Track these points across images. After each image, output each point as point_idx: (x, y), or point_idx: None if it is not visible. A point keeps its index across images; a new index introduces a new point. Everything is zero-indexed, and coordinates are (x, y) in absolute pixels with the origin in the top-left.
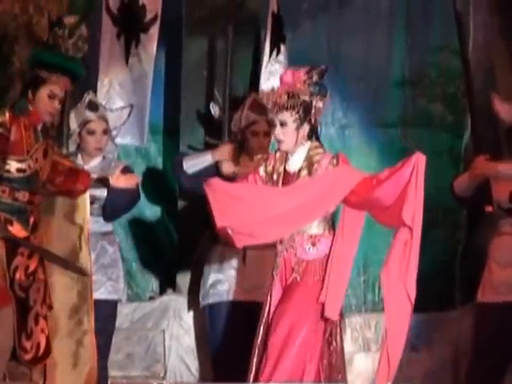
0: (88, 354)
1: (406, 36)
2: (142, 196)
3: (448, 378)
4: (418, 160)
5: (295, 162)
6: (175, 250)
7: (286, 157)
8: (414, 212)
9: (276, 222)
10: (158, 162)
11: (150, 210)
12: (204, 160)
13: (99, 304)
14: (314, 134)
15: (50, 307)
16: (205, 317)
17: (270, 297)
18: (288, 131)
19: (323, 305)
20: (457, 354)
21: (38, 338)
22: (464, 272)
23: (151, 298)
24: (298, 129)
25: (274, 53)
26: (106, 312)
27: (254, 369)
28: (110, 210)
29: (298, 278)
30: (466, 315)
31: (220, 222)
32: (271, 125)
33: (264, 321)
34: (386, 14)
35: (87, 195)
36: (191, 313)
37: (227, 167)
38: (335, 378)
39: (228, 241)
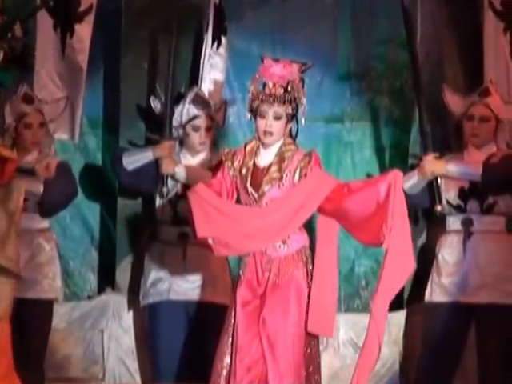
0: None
1: (351, 28)
2: (80, 192)
3: (394, 379)
4: (395, 178)
5: (266, 157)
6: (114, 247)
7: (256, 151)
8: (390, 232)
9: (253, 237)
10: (97, 158)
11: (88, 207)
12: (144, 156)
13: (35, 304)
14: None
15: None
16: (145, 317)
17: (235, 296)
18: (280, 125)
19: (309, 320)
20: (404, 354)
21: None
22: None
23: (89, 297)
24: (287, 124)
25: (215, 45)
26: (42, 312)
27: (224, 370)
28: (46, 206)
29: (273, 277)
30: (413, 315)
31: (202, 232)
32: (213, 120)
33: (232, 322)
34: (330, 6)
35: (22, 183)
36: (131, 312)
37: (167, 165)
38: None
39: (206, 247)
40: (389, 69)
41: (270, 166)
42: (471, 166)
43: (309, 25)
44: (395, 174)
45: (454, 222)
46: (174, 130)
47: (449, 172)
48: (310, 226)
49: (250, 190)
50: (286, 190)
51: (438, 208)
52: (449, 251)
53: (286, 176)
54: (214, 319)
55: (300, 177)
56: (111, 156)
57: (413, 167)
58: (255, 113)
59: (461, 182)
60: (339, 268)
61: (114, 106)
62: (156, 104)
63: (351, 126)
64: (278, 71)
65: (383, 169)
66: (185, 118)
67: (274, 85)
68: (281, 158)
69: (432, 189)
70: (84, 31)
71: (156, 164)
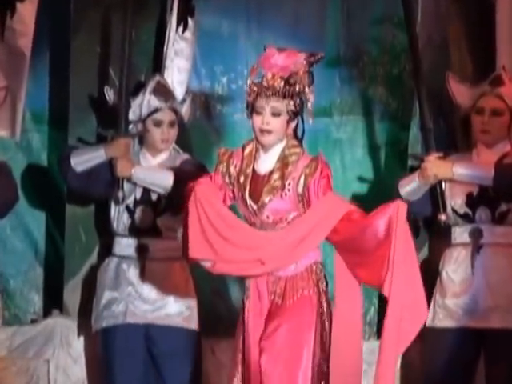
0: None
1: (342, 5)
2: (22, 198)
3: None
4: (398, 210)
5: (266, 162)
6: (62, 263)
7: (255, 155)
8: (392, 277)
9: (256, 261)
10: (42, 158)
11: (31, 215)
12: (96, 156)
13: None
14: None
15: None
16: (98, 343)
17: (244, 326)
18: (279, 123)
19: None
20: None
21: None
22: None
23: (33, 321)
24: (289, 122)
25: (180, 28)
26: None
27: None
28: None
29: (279, 301)
30: (412, 342)
31: (195, 253)
32: (178, 113)
33: (240, 356)
34: None
35: None
36: (81, 339)
37: (123, 166)
38: None
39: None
40: (384, 53)
41: (271, 173)
42: (481, 167)
43: (292, 2)
44: (397, 205)
45: (460, 234)
46: (131, 126)
47: (455, 175)
48: None
49: (249, 201)
50: (289, 200)
51: (443, 217)
52: (454, 268)
53: (289, 184)
54: (179, 345)
55: (304, 185)
56: (58, 156)
57: (413, 169)
58: (251, 109)
59: (469, 186)
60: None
61: (61, 97)
62: (110, 95)
63: (341, 121)
64: (280, 61)
65: (377, 170)
66: (145, 111)
67: (273, 76)
68: (283, 163)
69: (435, 195)
70: (27, 11)
71: (110, 165)
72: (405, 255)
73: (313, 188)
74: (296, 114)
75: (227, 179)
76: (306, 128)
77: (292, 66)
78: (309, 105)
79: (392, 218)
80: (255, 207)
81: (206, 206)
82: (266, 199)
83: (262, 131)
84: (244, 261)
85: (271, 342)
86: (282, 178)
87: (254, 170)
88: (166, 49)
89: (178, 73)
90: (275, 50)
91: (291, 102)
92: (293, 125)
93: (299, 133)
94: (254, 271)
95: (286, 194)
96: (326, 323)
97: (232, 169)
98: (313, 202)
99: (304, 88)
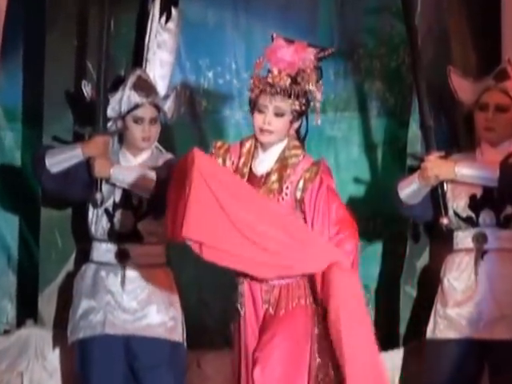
0: None
1: None
2: None
3: None
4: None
5: (265, 162)
6: (37, 270)
7: (253, 153)
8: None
9: (265, 255)
10: (16, 157)
11: (3, 219)
12: (72, 155)
13: None
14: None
15: None
16: (74, 355)
17: (239, 337)
18: (282, 123)
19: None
20: None
21: None
22: (409, 300)
23: (6, 332)
24: (292, 122)
25: (163, 19)
26: None
27: None
28: None
29: (272, 311)
30: (411, 355)
31: (191, 232)
32: (160, 110)
33: (236, 369)
34: None
35: None
36: (57, 351)
37: (101, 166)
38: None
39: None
40: (381, 45)
41: (268, 175)
42: (485, 167)
43: None
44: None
45: (463, 239)
46: (110, 123)
47: (457, 176)
48: None
49: None
50: (285, 205)
51: (444, 221)
52: (457, 275)
53: (287, 188)
54: (161, 358)
55: (303, 191)
56: (32, 155)
57: (412, 170)
58: (254, 105)
59: (472, 188)
60: None
61: (35, 93)
62: (88, 90)
63: (335, 117)
64: (288, 56)
65: (374, 171)
66: (124, 108)
67: (280, 72)
68: (282, 164)
69: (436, 197)
70: None
71: (87, 165)
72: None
73: (309, 197)
74: (301, 114)
75: None
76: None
77: (300, 62)
78: (317, 104)
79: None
80: None
81: (213, 180)
82: None
83: (263, 130)
84: (248, 256)
85: (265, 354)
86: (280, 180)
87: (250, 169)
88: (148, 41)
89: (160, 66)
90: (283, 40)
91: (296, 102)
92: (296, 125)
93: (302, 133)
94: (257, 270)
95: (283, 198)
96: (324, 331)
97: (229, 164)
98: (307, 214)
99: (311, 87)
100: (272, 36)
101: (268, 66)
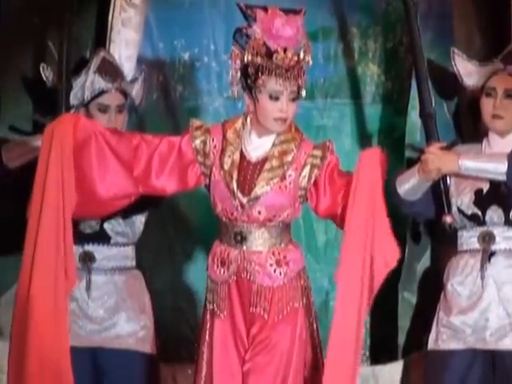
0: None
1: None
2: None
3: None
4: (366, 156)
5: (258, 147)
6: None
7: (243, 136)
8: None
9: None
10: None
11: None
12: (32, 148)
13: None
14: None
15: None
16: None
17: (210, 338)
18: (295, 106)
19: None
20: None
21: None
22: (409, 307)
23: None
24: (295, 101)
25: None
26: None
27: None
28: None
29: (265, 314)
30: (412, 368)
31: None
32: (127, 96)
33: (204, 373)
34: None
35: None
36: None
37: None
38: None
39: None
40: (377, 24)
41: (265, 160)
42: (492, 159)
43: None
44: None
45: (468, 239)
46: (73, 111)
47: (461, 169)
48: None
49: (237, 193)
50: (288, 194)
51: (448, 219)
52: (461, 279)
53: (290, 176)
54: (132, 372)
55: (310, 179)
56: None
57: (411, 162)
58: (256, 86)
59: (478, 182)
60: None
61: None
62: (48, 74)
63: (325, 104)
64: (287, 32)
65: None
66: (88, 94)
67: (285, 51)
68: (281, 149)
69: (438, 193)
70: None
71: None
72: (369, 192)
73: (322, 183)
74: (300, 91)
75: (200, 158)
76: None
77: (299, 35)
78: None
79: (361, 165)
80: (244, 200)
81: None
82: (260, 191)
83: (277, 119)
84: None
85: (260, 362)
86: (282, 166)
87: (242, 154)
88: (112, 18)
89: (125, 47)
90: (279, 12)
91: (300, 81)
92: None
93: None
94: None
95: (285, 187)
96: (315, 333)
97: (210, 148)
98: (321, 197)
99: (309, 60)
100: (265, 7)
101: (254, 32)
